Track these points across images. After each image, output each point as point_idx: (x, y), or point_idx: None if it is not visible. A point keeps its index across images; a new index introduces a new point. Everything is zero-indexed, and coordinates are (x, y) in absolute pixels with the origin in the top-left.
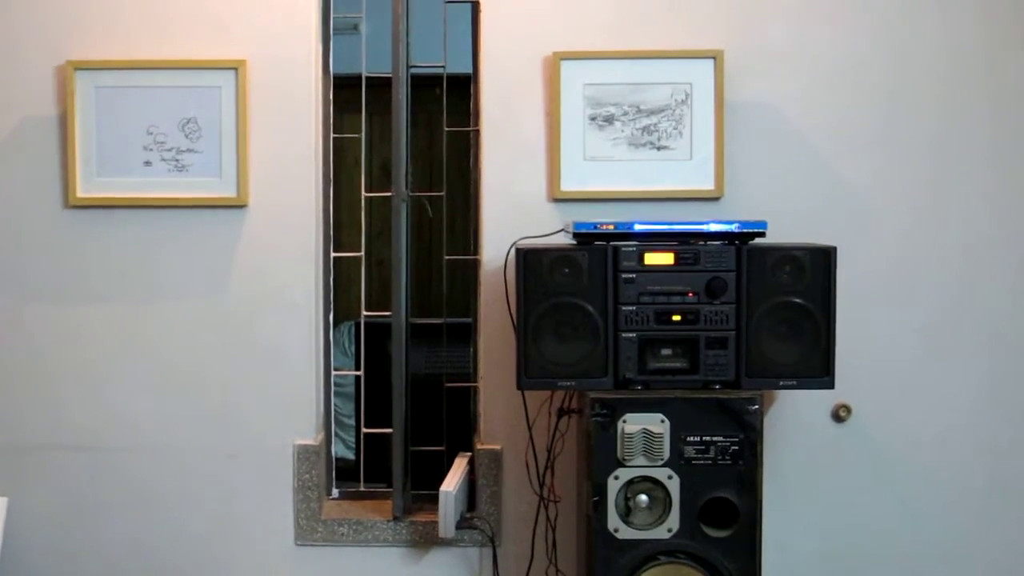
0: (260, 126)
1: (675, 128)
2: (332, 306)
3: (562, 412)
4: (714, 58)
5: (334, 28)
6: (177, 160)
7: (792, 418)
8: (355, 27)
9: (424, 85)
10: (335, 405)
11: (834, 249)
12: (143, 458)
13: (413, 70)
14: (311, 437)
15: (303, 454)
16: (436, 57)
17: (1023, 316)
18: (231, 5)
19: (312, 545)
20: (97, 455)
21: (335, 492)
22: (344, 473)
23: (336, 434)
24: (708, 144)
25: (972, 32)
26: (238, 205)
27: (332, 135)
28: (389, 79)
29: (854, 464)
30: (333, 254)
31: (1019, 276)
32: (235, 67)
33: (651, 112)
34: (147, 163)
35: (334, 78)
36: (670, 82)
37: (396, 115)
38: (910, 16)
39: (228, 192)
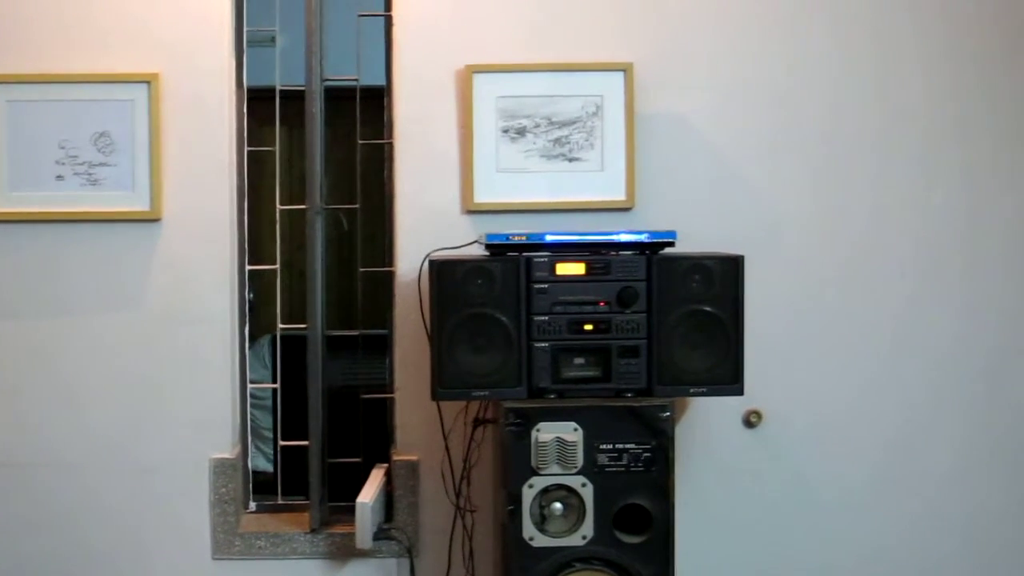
0: (174, 140)
1: (587, 140)
2: (248, 319)
3: (477, 422)
4: (624, 71)
5: (252, 41)
6: (90, 174)
7: (705, 424)
8: (273, 39)
9: (340, 98)
10: (256, 418)
11: (742, 258)
12: (56, 474)
13: (327, 83)
14: (227, 451)
15: (219, 468)
16: (351, 70)
17: (924, 321)
18: (143, 18)
19: (230, 559)
20: (9, 471)
21: (252, 505)
22: (265, 486)
23: (257, 447)
24: (619, 155)
25: (866, 47)
26: (152, 219)
27: (247, 148)
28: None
29: (766, 469)
30: (248, 267)
31: (920, 282)
32: (148, 80)
33: (563, 124)
34: (59, 177)
35: (253, 91)
36: (581, 94)
37: (310, 128)
38: (814, 31)
39: (142, 206)
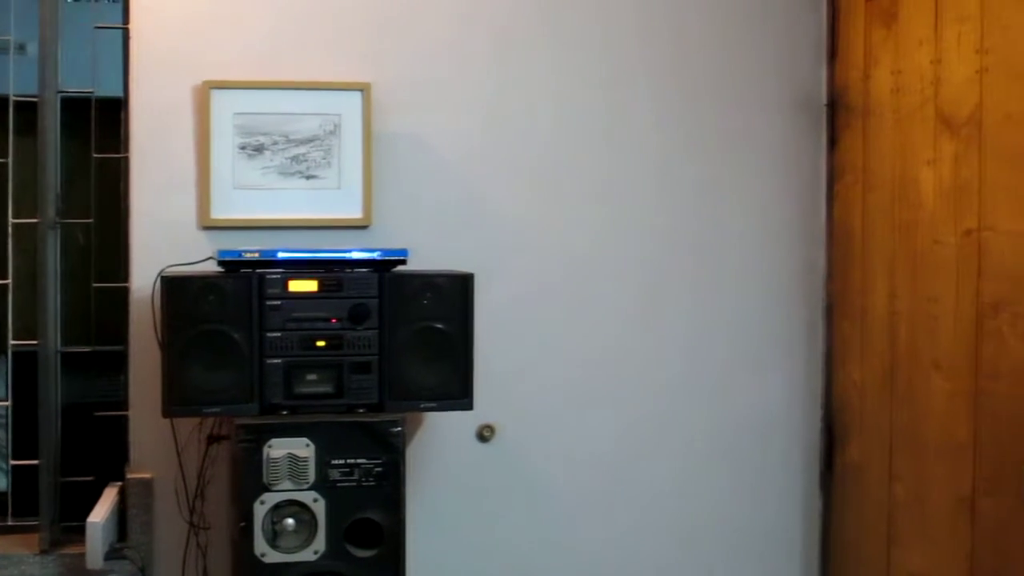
0: None
1: (324, 158)
2: None
3: (212, 439)
4: (362, 90)
5: None
6: None
7: (439, 439)
8: (22, 47)
9: (78, 109)
10: None
11: (471, 276)
12: None
13: (63, 94)
14: None
15: None
16: (90, 82)
17: (650, 334)
18: None
19: None
20: None
21: None
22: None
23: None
24: (356, 174)
25: (594, 67)
26: None
27: None
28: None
29: (499, 482)
30: None
31: (646, 297)
32: None
33: (301, 142)
34: None
35: None
36: (319, 113)
37: (42, 139)
38: (544, 55)
39: None
